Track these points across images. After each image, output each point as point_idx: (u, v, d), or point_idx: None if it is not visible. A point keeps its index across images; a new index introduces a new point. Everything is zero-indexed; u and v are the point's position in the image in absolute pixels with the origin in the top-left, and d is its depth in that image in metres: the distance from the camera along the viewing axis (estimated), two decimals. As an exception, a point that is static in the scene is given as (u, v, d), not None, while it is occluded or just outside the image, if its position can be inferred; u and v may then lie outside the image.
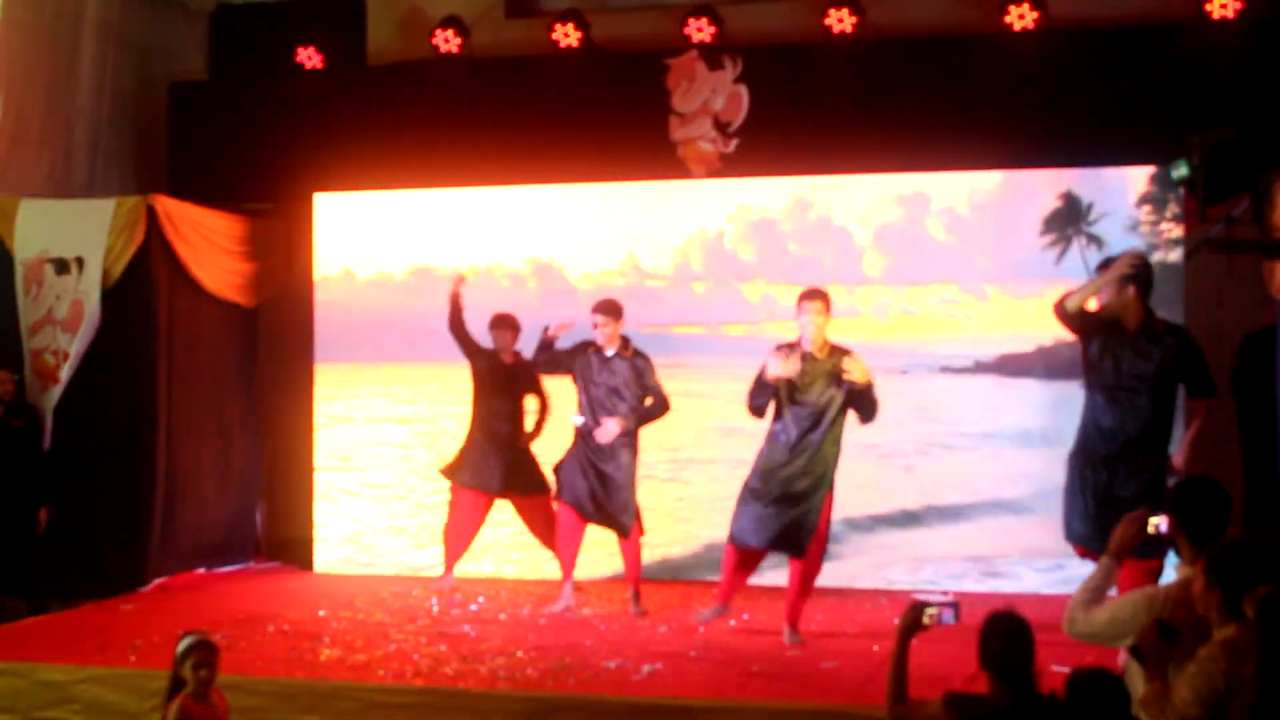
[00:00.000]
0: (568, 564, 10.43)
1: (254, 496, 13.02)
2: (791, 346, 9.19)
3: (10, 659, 8.84)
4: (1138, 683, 5.16)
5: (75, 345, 11.22)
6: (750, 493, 9.30)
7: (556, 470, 10.36)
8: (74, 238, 11.30)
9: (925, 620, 5.33)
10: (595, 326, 10.08)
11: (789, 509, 9.15)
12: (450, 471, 11.23)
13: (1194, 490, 5.47)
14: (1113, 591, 5.58)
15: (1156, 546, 6.30)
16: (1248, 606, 4.43)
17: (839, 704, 7.69)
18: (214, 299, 12.07)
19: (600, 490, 10.12)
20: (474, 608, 10.61)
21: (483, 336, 11.06)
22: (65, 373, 11.23)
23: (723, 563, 9.61)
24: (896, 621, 5.41)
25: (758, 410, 9.31)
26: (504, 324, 11.04)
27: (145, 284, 11.41)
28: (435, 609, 10.56)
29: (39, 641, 9.43)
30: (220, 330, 12.45)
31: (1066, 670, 4.95)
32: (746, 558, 9.50)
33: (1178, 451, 8.60)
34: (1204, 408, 8.75)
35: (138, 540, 11.36)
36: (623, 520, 10.16)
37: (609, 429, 9.99)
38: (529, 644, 9.22)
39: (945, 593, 10.20)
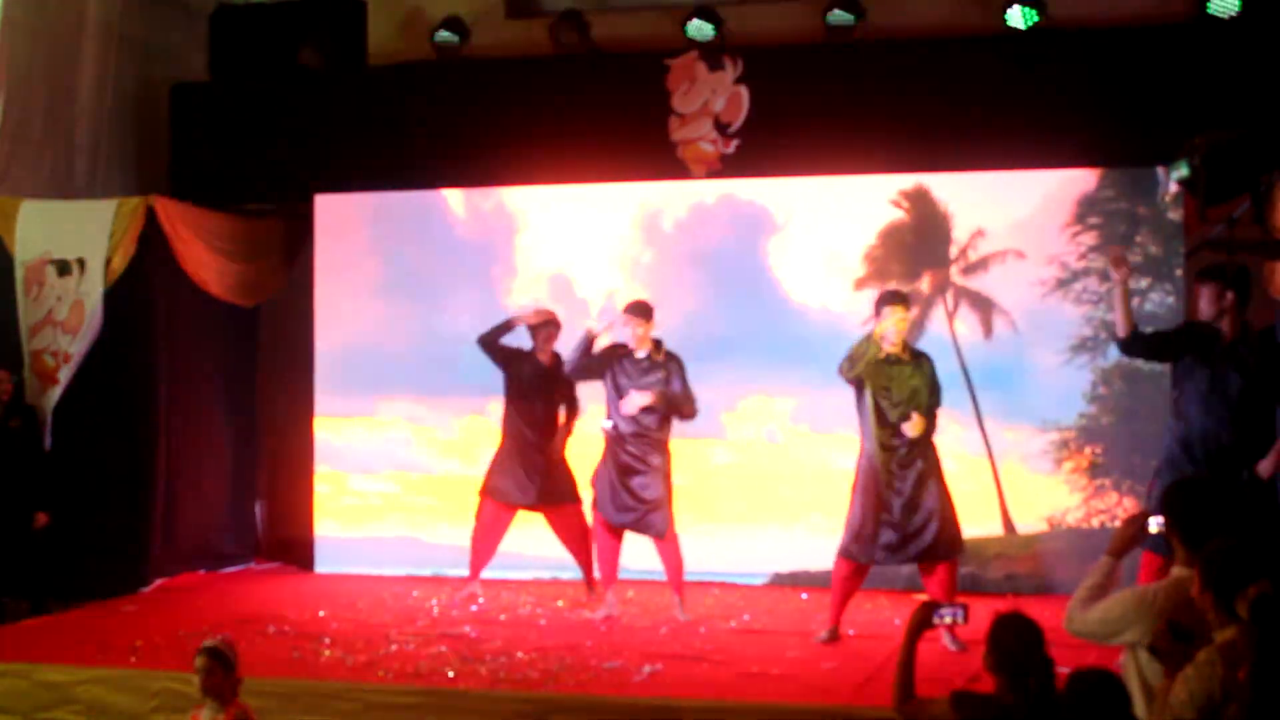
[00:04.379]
0: (609, 572, 10.24)
1: (254, 497, 13.04)
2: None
3: (12, 660, 8.86)
4: (1135, 683, 5.19)
5: (76, 347, 11.22)
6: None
7: (593, 483, 10.17)
8: (75, 239, 11.31)
9: (935, 620, 5.37)
10: (626, 328, 9.93)
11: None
12: (484, 487, 10.98)
13: (1186, 491, 5.50)
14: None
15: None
16: (1240, 608, 4.43)
17: (839, 704, 7.70)
18: (214, 299, 12.06)
19: (629, 497, 9.91)
20: (474, 608, 10.61)
21: (520, 336, 10.88)
22: (65, 374, 11.23)
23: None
24: (897, 623, 5.43)
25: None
26: (546, 322, 10.81)
27: (145, 285, 11.42)
28: (435, 610, 10.57)
29: (40, 642, 9.44)
30: (220, 331, 12.46)
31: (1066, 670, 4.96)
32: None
33: (1267, 460, 7.99)
34: None
35: (138, 541, 11.37)
36: (655, 522, 9.93)
37: (634, 400, 9.76)
38: (529, 645, 9.22)
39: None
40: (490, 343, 10.76)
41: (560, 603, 10.69)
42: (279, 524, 13.06)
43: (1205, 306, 8.22)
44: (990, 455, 11.31)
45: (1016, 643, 5.02)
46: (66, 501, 11.04)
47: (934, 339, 11.40)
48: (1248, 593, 4.42)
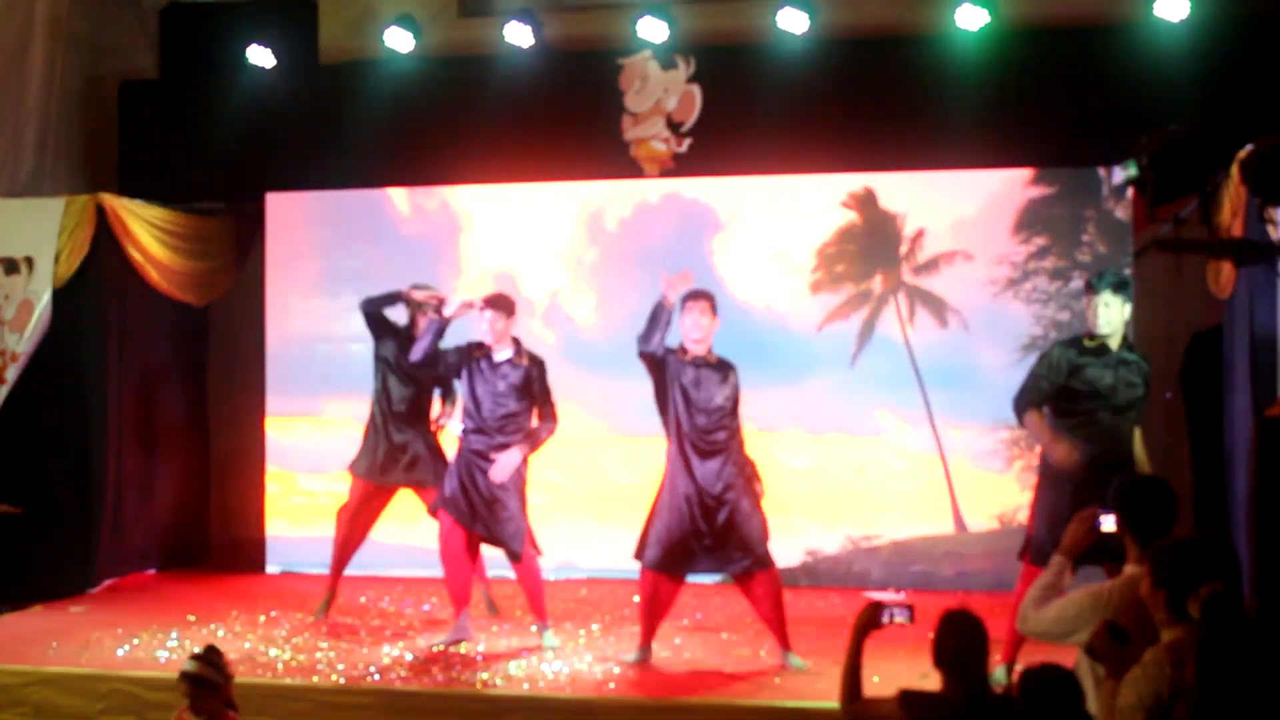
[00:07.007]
0: (462, 592, 9.32)
1: (205, 497, 12.97)
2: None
3: (-42, 661, 8.80)
4: (1089, 680, 5.21)
5: (24, 346, 11.14)
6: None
7: (442, 490, 9.28)
8: (23, 237, 11.22)
9: (883, 621, 5.38)
10: (484, 323, 9.14)
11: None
12: (352, 465, 10.47)
13: (1140, 489, 5.52)
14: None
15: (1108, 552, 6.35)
16: (1192, 607, 4.44)
17: (789, 702, 7.73)
18: (164, 298, 11.98)
19: (485, 509, 9.06)
20: (426, 608, 10.59)
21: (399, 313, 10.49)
22: (12, 373, 11.14)
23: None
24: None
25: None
26: (424, 305, 10.10)
27: (95, 284, 11.34)
28: (387, 610, 10.53)
29: (-12, 643, 9.38)
30: (171, 330, 12.41)
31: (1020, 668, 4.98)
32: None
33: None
34: None
35: (88, 541, 11.29)
36: (512, 543, 9.11)
37: (505, 465, 8.97)
38: (481, 645, 9.21)
39: (898, 591, 10.26)
40: (372, 310, 10.29)
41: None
42: (229, 523, 12.99)
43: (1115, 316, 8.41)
44: (941, 454, 11.36)
45: (962, 640, 5.04)
46: (14, 501, 10.96)
47: (885, 338, 11.47)
48: (1200, 592, 4.43)
